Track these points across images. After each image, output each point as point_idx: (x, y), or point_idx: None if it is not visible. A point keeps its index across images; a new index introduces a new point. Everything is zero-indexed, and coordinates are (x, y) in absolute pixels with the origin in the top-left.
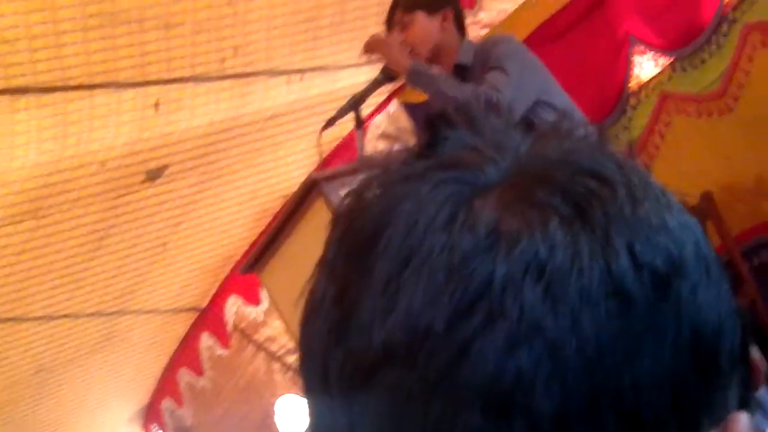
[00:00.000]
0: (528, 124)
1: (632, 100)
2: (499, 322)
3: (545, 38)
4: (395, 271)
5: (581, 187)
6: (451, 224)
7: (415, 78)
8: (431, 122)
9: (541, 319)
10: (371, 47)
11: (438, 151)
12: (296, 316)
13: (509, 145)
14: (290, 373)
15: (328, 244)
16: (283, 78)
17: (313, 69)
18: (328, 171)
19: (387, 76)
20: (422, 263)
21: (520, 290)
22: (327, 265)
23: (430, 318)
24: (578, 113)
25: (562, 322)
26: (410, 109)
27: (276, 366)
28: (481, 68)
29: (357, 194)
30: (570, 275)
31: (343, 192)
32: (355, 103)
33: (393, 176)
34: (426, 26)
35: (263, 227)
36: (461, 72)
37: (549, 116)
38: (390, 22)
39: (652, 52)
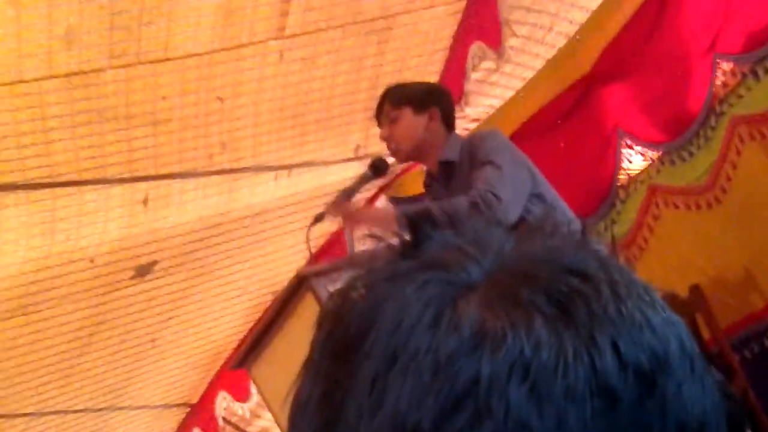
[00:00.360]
0: (519, 219)
1: (621, 194)
2: (485, 422)
3: (532, 132)
4: (381, 370)
5: (564, 286)
6: (436, 324)
7: (407, 220)
8: (414, 222)
9: (527, 419)
10: (346, 219)
11: (421, 251)
12: (285, 412)
13: (492, 244)
14: None
15: (314, 344)
16: (270, 174)
17: (300, 165)
18: (317, 267)
19: (375, 171)
20: (408, 363)
21: (505, 390)
22: (312, 366)
23: (417, 418)
24: (564, 208)
25: (548, 422)
26: (398, 203)
27: None
28: (470, 164)
29: (342, 295)
30: (555, 374)
31: (332, 288)
32: (344, 199)
33: (377, 276)
34: (412, 123)
35: (252, 323)
36: (447, 168)
37: (539, 210)
38: (378, 115)
39: (641, 146)
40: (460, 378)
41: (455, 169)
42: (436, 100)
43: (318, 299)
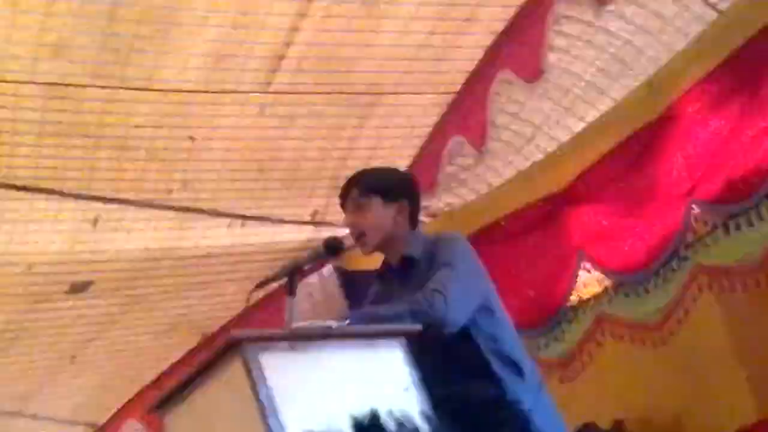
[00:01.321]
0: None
1: (569, 314)
2: None
3: (494, 238)
4: None
5: None
6: None
7: (355, 323)
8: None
9: None
10: None
11: None
12: None
13: None
14: None
15: None
16: (225, 220)
17: (256, 218)
18: (253, 332)
19: (329, 251)
20: None
21: None
22: None
23: None
24: (509, 327)
25: None
26: (342, 275)
27: None
28: (429, 263)
29: None
30: None
31: (263, 356)
32: (292, 270)
33: None
34: (380, 214)
35: (175, 360)
36: (407, 263)
37: (486, 324)
38: (344, 197)
39: (599, 272)
40: None
41: (414, 266)
42: (407, 193)
43: (246, 364)
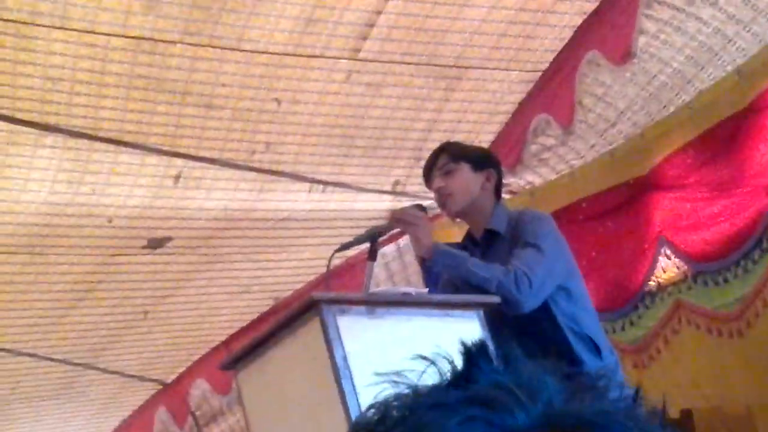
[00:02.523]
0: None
1: (647, 299)
2: None
3: (574, 218)
4: None
5: None
6: None
7: (441, 259)
8: (468, 351)
9: None
10: (397, 220)
11: (471, 385)
12: (262, 422)
13: (543, 393)
14: None
15: None
16: (305, 184)
17: (337, 183)
18: (331, 294)
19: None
20: None
21: None
22: None
23: None
24: (588, 306)
25: None
26: None
27: None
28: (513, 239)
29: (381, 410)
30: None
31: (340, 318)
32: (375, 235)
33: (421, 400)
34: (468, 180)
35: (246, 321)
36: (490, 236)
37: (565, 303)
38: (432, 166)
39: (679, 258)
40: None
41: (497, 240)
42: (493, 164)
43: (323, 326)
